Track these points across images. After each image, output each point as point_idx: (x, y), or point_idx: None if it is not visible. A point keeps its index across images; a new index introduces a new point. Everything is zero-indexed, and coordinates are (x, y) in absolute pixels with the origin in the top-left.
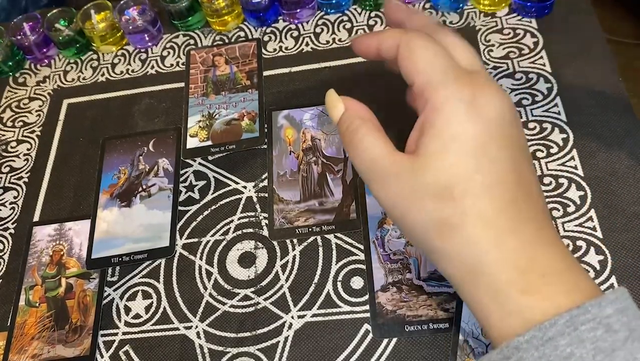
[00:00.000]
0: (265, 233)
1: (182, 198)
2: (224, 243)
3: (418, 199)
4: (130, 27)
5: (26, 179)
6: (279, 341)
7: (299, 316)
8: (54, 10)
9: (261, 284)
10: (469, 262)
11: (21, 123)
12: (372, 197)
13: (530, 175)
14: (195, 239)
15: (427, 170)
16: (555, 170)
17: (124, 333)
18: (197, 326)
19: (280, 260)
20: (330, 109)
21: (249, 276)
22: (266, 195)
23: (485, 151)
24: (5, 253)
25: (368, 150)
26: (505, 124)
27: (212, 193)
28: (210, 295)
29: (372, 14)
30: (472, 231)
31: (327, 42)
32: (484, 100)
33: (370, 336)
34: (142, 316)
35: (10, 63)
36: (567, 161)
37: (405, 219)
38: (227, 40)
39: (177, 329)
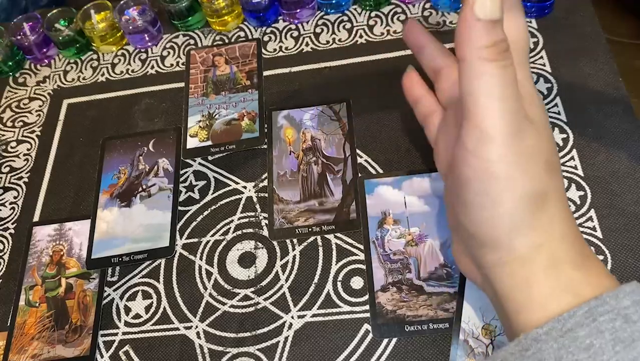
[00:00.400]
0: (265, 233)
1: (182, 198)
2: (224, 243)
3: (533, 165)
4: (130, 27)
5: (26, 179)
6: (279, 341)
7: (299, 316)
8: (54, 10)
9: (261, 284)
10: (538, 239)
11: (21, 123)
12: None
13: None
14: (195, 239)
15: (543, 135)
16: None
17: (124, 333)
18: (197, 326)
19: (280, 260)
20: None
21: (249, 276)
22: (266, 195)
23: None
24: (5, 253)
25: (514, 91)
26: None
27: (212, 193)
28: (210, 295)
29: (372, 14)
30: (557, 208)
31: (327, 42)
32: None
33: (370, 336)
34: (142, 316)
35: (10, 63)
36: (567, 161)
37: (504, 184)
38: (227, 40)
39: (177, 329)
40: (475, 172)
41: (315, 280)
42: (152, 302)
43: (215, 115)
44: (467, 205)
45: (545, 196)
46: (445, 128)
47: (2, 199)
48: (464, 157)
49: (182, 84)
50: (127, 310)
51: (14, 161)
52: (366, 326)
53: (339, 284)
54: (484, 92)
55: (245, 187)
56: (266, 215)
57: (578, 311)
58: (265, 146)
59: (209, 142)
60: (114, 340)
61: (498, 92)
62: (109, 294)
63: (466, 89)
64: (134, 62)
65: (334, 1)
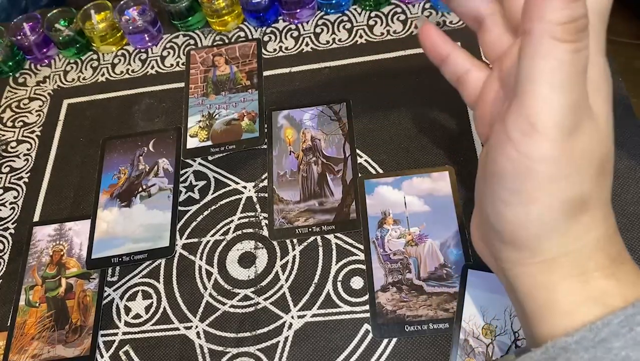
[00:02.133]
0: (265, 233)
1: (182, 198)
2: (224, 243)
3: (582, 169)
4: (130, 27)
5: (26, 179)
6: (279, 341)
7: (299, 316)
8: (54, 10)
9: (261, 284)
10: (568, 246)
11: (21, 123)
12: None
13: None
14: (195, 239)
15: (602, 133)
16: None
17: (124, 333)
18: (197, 326)
19: (280, 260)
20: None
21: (249, 276)
22: (266, 195)
23: None
24: (5, 253)
25: (581, 81)
26: None
27: (212, 193)
28: (210, 295)
29: (372, 14)
30: (596, 216)
31: (327, 42)
32: None
33: (370, 336)
34: (142, 316)
35: (10, 63)
36: None
37: (543, 185)
38: (227, 40)
39: (177, 329)
40: (512, 166)
41: (315, 280)
42: (152, 302)
43: (215, 115)
44: (495, 198)
45: (586, 203)
46: (490, 89)
47: (2, 199)
48: (503, 145)
49: (182, 84)
50: (127, 310)
51: (14, 161)
52: (366, 326)
53: (339, 284)
54: (545, 79)
55: (245, 187)
56: (266, 215)
57: (614, 319)
58: (265, 146)
59: (209, 143)
60: (114, 340)
61: (561, 82)
62: (109, 294)
63: (525, 69)
64: (134, 62)
65: (334, 1)
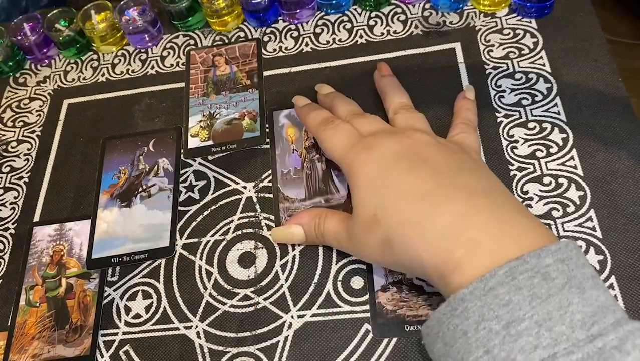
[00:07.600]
0: (266, 232)
1: (182, 198)
2: (224, 243)
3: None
4: (130, 28)
5: (26, 179)
6: (279, 341)
7: (299, 316)
8: (54, 10)
9: (261, 284)
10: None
11: (21, 123)
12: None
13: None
14: (195, 239)
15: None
16: (555, 170)
17: (124, 333)
18: (197, 326)
19: (280, 260)
20: (289, 237)
21: (249, 276)
22: (266, 195)
23: None
24: (5, 253)
25: None
26: None
27: (212, 193)
28: (210, 295)
29: (372, 14)
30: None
31: (327, 42)
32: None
33: (370, 336)
34: (142, 316)
35: (10, 63)
36: (566, 161)
37: None
38: (227, 40)
39: (177, 329)
40: None
41: (315, 280)
42: (152, 302)
43: (216, 115)
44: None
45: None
46: None
47: (2, 199)
48: None
49: (182, 84)
50: (127, 310)
51: (14, 161)
52: (366, 326)
53: (338, 284)
54: None
55: (245, 187)
56: (266, 215)
57: (499, 271)
58: (266, 146)
59: (211, 142)
60: (114, 340)
61: None
62: (109, 294)
63: None
64: (134, 62)
65: (334, 1)
